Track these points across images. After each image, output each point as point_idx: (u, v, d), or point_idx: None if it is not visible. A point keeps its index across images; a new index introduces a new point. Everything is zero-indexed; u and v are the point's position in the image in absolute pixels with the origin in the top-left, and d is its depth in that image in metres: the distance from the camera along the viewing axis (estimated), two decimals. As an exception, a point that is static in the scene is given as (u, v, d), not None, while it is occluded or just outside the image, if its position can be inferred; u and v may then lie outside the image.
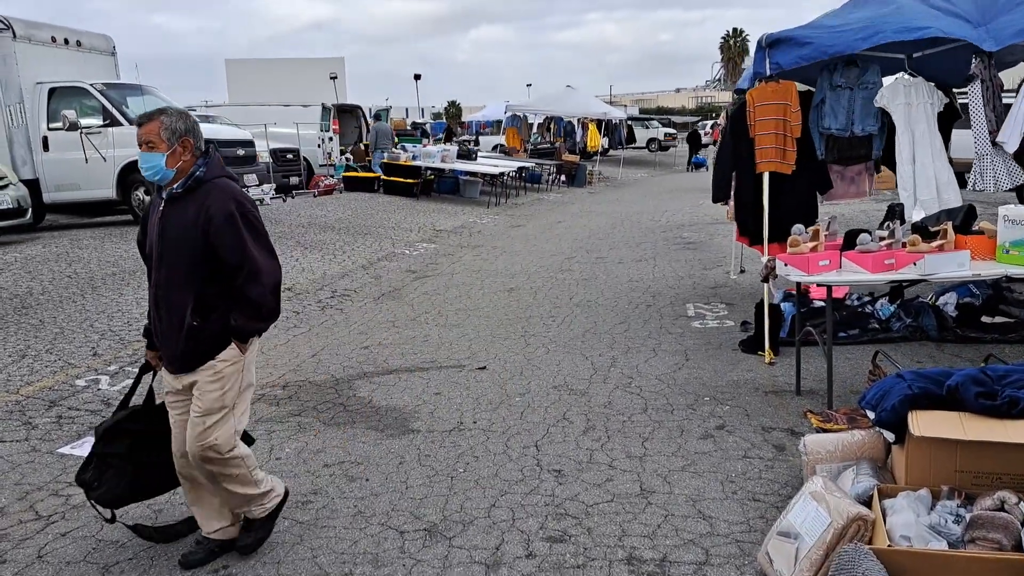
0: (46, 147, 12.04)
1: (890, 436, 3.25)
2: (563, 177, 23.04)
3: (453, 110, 72.29)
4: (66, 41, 12.82)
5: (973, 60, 5.44)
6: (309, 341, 6.83)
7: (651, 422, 4.64)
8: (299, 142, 18.70)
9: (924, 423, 3.07)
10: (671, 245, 11.53)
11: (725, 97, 61.41)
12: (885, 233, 4.78)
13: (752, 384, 5.25)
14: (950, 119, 6.56)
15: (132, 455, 3.32)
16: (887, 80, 6.35)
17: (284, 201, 15.69)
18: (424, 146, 20.59)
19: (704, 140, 33.73)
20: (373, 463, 4.23)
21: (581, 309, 7.68)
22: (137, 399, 3.48)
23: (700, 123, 41.69)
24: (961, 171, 6.11)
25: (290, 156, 17.92)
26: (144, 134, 3.10)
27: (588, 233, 13.19)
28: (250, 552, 3.34)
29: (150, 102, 12.21)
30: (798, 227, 4.90)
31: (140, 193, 11.85)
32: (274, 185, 15.78)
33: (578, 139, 27.52)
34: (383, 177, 18.07)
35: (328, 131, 20.23)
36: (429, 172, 18.63)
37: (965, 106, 5.92)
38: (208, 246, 3.03)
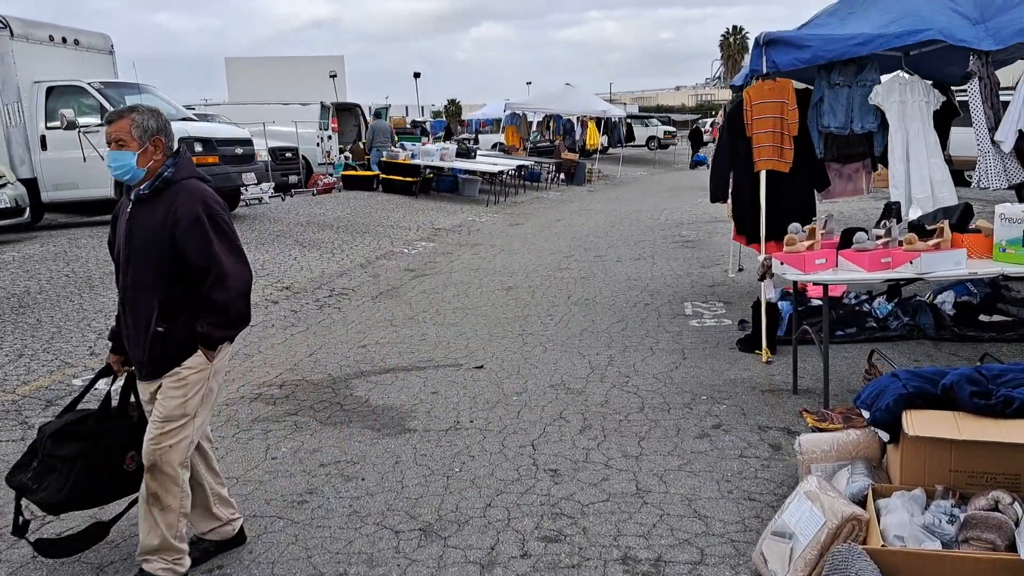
0: (44, 146, 12.02)
1: (885, 436, 3.25)
2: (562, 175, 23.01)
3: (453, 108, 72.23)
4: (64, 40, 12.80)
5: (971, 57, 5.43)
6: (306, 340, 6.83)
7: (648, 421, 4.64)
8: (298, 140, 18.69)
9: (919, 423, 3.07)
10: (670, 243, 11.53)
11: (725, 95, 61.43)
12: (882, 231, 4.77)
13: (749, 383, 5.25)
14: (948, 117, 6.55)
15: (79, 460, 3.12)
16: (885, 78, 6.34)
17: (283, 200, 15.70)
18: (423, 144, 20.59)
19: (705, 138, 33.72)
20: (369, 462, 4.23)
21: (579, 308, 7.67)
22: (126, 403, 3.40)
23: (701, 121, 41.68)
24: (960, 169, 6.10)
25: (289, 155, 17.92)
26: (114, 132, 2.98)
27: (587, 231, 13.18)
28: None
29: (148, 101, 12.20)
30: (794, 226, 4.89)
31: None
32: (273, 183, 15.81)
33: (577, 137, 27.48)
34: (382, 175, 18.06)
35: (327, 130, 20.23)
36: (428, 170, 18.62)
37: (964, 104, 5.92)
38: (175, 249, 2.93)
